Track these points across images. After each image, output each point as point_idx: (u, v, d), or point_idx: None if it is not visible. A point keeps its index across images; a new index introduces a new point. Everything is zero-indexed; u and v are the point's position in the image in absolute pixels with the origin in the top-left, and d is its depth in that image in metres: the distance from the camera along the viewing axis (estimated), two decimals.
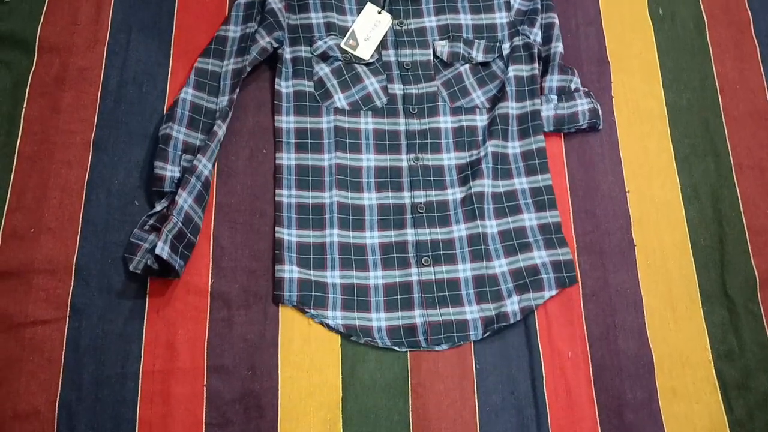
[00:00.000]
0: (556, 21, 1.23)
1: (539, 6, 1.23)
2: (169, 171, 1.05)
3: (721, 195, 1.17)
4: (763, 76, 1.27)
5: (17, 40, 1.10)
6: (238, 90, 1.10)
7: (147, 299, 0.99)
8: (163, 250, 0.97)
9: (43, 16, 1.13)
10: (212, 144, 1.06)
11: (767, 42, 1.29)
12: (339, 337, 1.01)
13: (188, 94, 1.10)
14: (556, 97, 1.18)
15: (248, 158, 1.09)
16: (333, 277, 1.04)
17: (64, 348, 0.95)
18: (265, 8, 1.16)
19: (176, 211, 1.00)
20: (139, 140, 1.08)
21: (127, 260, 1.01)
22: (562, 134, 1.18)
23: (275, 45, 1.14)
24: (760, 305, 1.10)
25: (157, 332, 0.97)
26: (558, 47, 1.21)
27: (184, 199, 1.02)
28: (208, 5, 1.18)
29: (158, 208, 1.04)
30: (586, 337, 1.05)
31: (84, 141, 1.06)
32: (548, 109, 1.17)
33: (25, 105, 1.07)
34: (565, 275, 1.08)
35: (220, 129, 1.07)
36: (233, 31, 1.15)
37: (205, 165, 1.05)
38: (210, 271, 1.02)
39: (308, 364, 0.99)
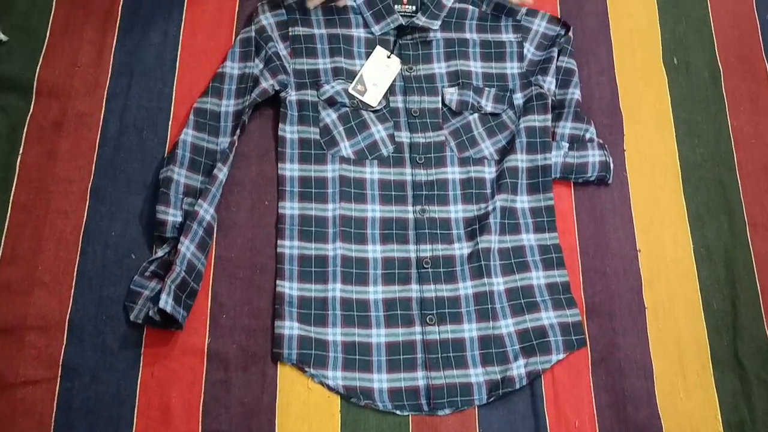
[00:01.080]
0: (575, 68, 1.20)
1: (554, 54, 1.20)
2: (171, 215, 1.02)
3: (735, 256, 1.14)
4: None
5: (15, 82, 1.07)
6: (239, 132, 1.08)
7: (141, 359, 0.96)
8: (167, 303, 0.94)
9: (42, 56, 1.10)
10: (213, 188, 1.03)
11: None
12: (339, 400, 0.98)
13: (188, 135, 1.07)
14: (567, 144, 1.15)
15: (250, 210, 1.06)
16: (334, 334, 1.01)
17: (54, 410, 0.92)
18: (269, 51, 1.13)
19: (179, 259, 0.97)
20: (138, 189, 1.05)
21: (127, 309, 0.98)
22: (571, 189, 1.15)
23: (278, 88, 1.11)
24: None
25: (150, 395, 0.94)
26: (575, 94, 1.18)
27: (187, 247, 0.99)
28: (213, 47, 1.15)
29: (160, 254, 1.01)
30: (594, 405, 1.02)
31: (81, 189, 1.03)
32: (558, 156, 1.14)
33: (21, 151, 1.04)
34: (573, 338, 1.05)
35: (221, 172, 1.04)
36: (230, 68, 1.12)
37: (206, 210, 1.02)
38: (207, 330, 0.99)
39: (306, 430, 0.96)
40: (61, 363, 0.95)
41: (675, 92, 1.24)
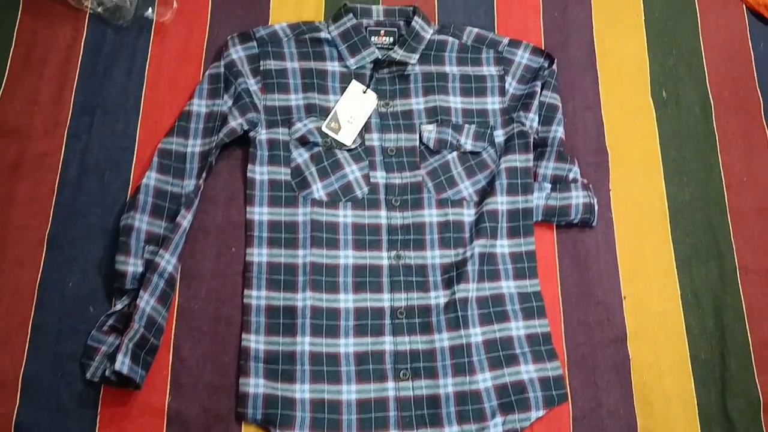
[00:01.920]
0: (559, 103, 1.15)
1: (537, 89, 1.15)
2: (131, 266, 0.97)
3: (725, 303, 1.09)
4: None
5: None
6: (205, 175, 1.03)
7: (98, 420, 0.91)
8: (123, 364, 0.89)
9: (0, 94, 1.05)
10: (176, 237, 0.98)
11: None
12: None
13: (151, 178, 1.02)
14: (549, 185, 1.10)
15: (215, 258, 1.01)
16: (302, 391, 0.96)
17: None
18: (239, 87, 1.08)
19: (137, 315, 0.92)
20: (98, 235, 1.00)
21: (84, 366, 0.93)
22: (554, 232, 1.10)
23: (246, 127, 1.06)
24: (764, 430, 1.02)
25: None
26: (558, 131, 1.13)
27: (146, 301, 0.94)
28: (180, 83, 1.10)
29: (119, 306, 0.96)
30: None
31: (38, 237, 0.99)
32: (539, 198, 1.09)
33: None
34: (554, 393, 1.00)
35: (185, 219, 1.00)
36: (197, 105, 1.07)
37: (168, 260, 0.97)
38: (168, 388, 0.94)
39: None
40: (13, 424, 0.90)
41: (664, 128, 1.19)
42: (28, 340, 0.94)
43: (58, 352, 0.94)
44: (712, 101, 1.22)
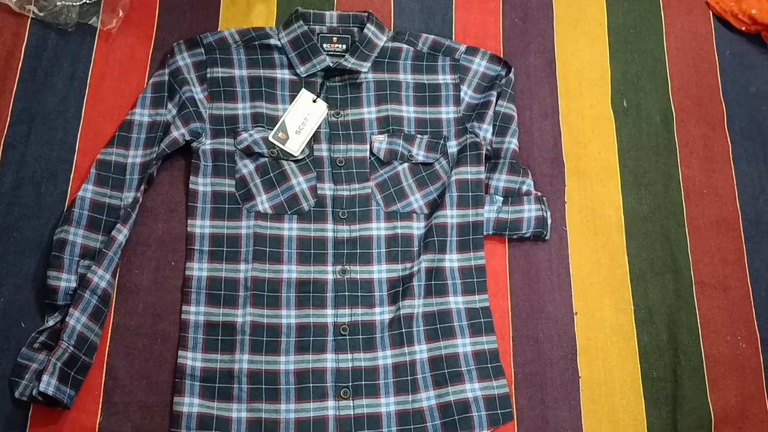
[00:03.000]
0: (515, 114, 1.13)
1: (492, 99, 1.12)
2: (64, 281, 0.95)
3: (679, 319, 1.06)
4: (734, 180, 1.16)
5: None
6: (144, 187, 1.00)
7: None
8: (49, 384, 0.87)
9: None
10: (110, 251, 0.95)
11: (740, 140, 1.19)
12: None
13: (87, 191, 0.99)
14: (501, 198, 1.08)
15: (154, 271, 0.99)
16: (239, 410, 0.94)
17: None
18: (183, 95, 1.05)
19: (66, 333, 0.90)
20: (32, 250, 0.97)
21: (12, 385, 0.91)
22: (505, 246, 1.08)
23: (188, 138, 1.04)
24: None
25: None
26: (512, 143, 1.11)
27: (77, 319, 0.91)
28: (123, 91, 1.07)
29: (50, 323, 0.94)
30: None
31: None
32: (490, 211, 1.07)
33: None
34: (499, 412, 0.98)
35: (120, 233, 0.97)
36: (139, 115, 1.04)
37: (101, 276, 0.94)
38: (100, 407, 0.92)
39: None
40: None
41: (623, 138, 1.16)
42: None
43: None
44: (674, 111, 1.19)
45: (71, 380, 0.89)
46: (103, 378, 0.93)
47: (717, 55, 1.25)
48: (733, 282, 1.10)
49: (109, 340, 0.95)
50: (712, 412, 1.02)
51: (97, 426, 0.91)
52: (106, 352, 0.94)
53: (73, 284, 0.95)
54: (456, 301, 1.03)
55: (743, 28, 1.26)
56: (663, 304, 1.07)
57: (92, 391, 0.92)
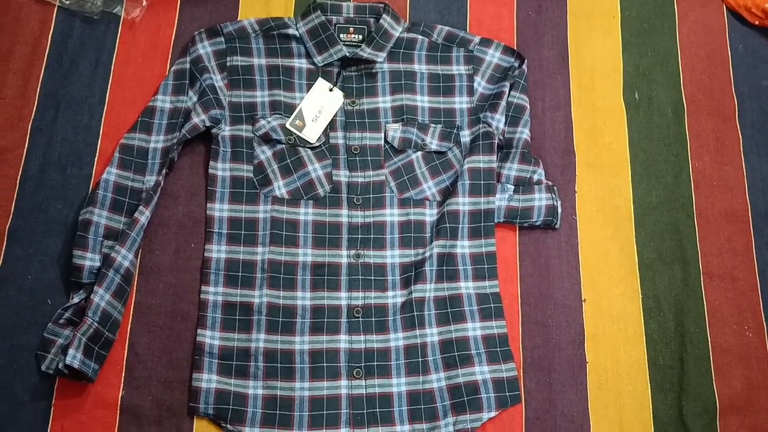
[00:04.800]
0: (527, 105, 1.15)
1: (505, 89, 1.14)
2: (89, 260, 0.98)
3: (686, 307, 1.08)
4: (744, 173, 1.18)
5: None
6: (165, 171, 1.04)
7: (52, 411, 0.93)
8: (75, 357, 0.90)
9: None
10: (133, 232, 0.99)
11: (751, 134, 1.20)
12: None
13: (111, 174, 1.03)
14: (512, 187, 1.10)
15: (174, 253, 1.02)
16: (255, 387, 0.97)
17: None
18: (204, 83, 1.08)
19: (91, 310, 0.94)
20: (59, 230, 1.01)
21: (39, 358, 0.95)
22: (516, 234, 1.10)
23: (209, 124, 1.07)
24: None
25: None
26: (524, 133, 1.13)
27: (101, 296, 0.95)
28: (146, 78, 1.10)
29: (75, 300, 0.98)
30: None
31: None
32: (501, 199, 1.09)
33: None
34: (507, 394, 1.00)
35: (143, 215, 1.00)
36: (161, 101, 1.07)
37: (124, 256, 0.98)
38: (122, 381, 0.95)
39: None
40: None
41: (634, 130, 1.18)
42: None
43: (15, 344, 0.95)
44: (685, 103, 1.21)
45: (95, 355, 0.93)
46: (126, 354, 0.97)
47: (730, 48, 1.26)
48: (740, 273, 1.12)
49: (131, 317, 0.99)
50: (717, 400, 1.04)
51: (119, 399, 0.95)
52: (128, 330, 0.98)
53: (97, 263, 0.98)
54: (467, 286, 1.05)
55: (756, 22, 1.27)
56: (671, 293, 1.09)
57: (115, 365, 0.96)
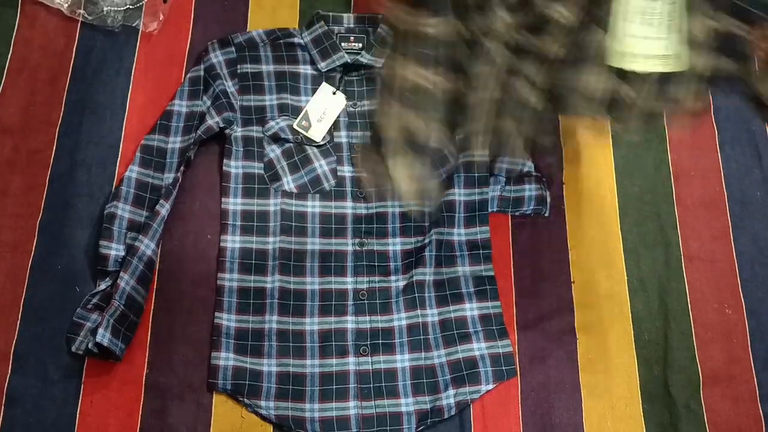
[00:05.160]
0: None
1: None
2: (114, 250, 1.06)
3: (669, 288, 1.16)
4: (720, 163, 1.26)
5: None
6: (182, 169, 1.12)
7: (82, 389, 1.00)
8: (104, 336, 0.98)
9: None
10: (155, 224, 1.07)
11: (726, 127, 1.29)
12: (271, 429, 1.02)
13: (133, 171, 1.11)
14: (504, 178, 1.19)
15: (192, 243, 1.10)
16: (269, 365, 1.05)
17: None
18: (217, 89, 1.17)
19: (118, 294, 1.02)
20: (86, 224, 1.09)
21: (69, 341, 1.02)
22: (509, 222, 1.18)
23: (222, 125, 1.16)
24: (702, 404, 1.09)
25: (89, 423, 0.99)
26: None
27: (126, 281, 1.03)
28: (163, 85, 1.19)
29: (102, 287, 1.05)
30: None
31: (31, 224, 1.08)
32: (494, 190, 1.18)
33: None
34: (503, 368, 1.08)
35: (163, 208, 1.09)
36: (178, 106, 1.16)
37: (147, 245, 1.06)
38: (146, 361, 1.03)
39: None
40: (5, 392, 0.99)
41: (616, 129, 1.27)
42: (19, 317, 1.03)
43: (47, 327, 1.03)
44: None
45: (122, 336, 1.01)
46: (149, 335, 1.05)
47: None
48: (719, 256, 1.20)
49: (153, 302, 1.06)
50: (700, 372, 1.11)
51: (144, 377, 1.02)
52: (151, 313, 1.06)
53: (122, 253, 1.06)
54: (464, 271, 1.13)
55: None
56: (654, 274, 1.17)
57: (139, 346, 1.03)
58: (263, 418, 1.02)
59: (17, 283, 1.05)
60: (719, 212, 1.23)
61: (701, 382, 1.11)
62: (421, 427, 1.03)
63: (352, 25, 1.26)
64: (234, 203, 1.14)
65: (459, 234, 1.15)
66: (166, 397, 1.01)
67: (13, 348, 1.02)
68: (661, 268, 1.17)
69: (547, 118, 0.96)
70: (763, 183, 1.25)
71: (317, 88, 1.22)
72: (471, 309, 1.11)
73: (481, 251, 1.15)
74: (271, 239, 1.12)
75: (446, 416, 1.04)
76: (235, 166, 1.16)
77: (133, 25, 1.23)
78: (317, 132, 1.19)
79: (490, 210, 1.17)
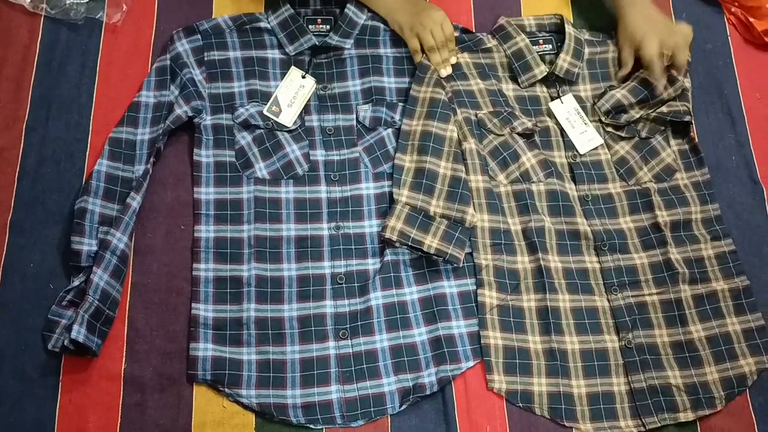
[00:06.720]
0: None
1: None
2: (86, 245, 1.05)
3: None
4: (694, 128, 1.26)
5: None
6: (153, 160, 1.11)
7: (60, 386, 1.00)
8: (79, 333, 0.97)
9: None
10: (126, 216, 1.06)
11: (699, 94, 1.28)
12: (253, 418, 1.01)
13: (102, 165, 1.10)
14: None
15: (165, 235, 1.10)
16: (249, 353, 1.04)
17: None
18: (184, 77, 1.16)
19: (92, 289, 1.01)
20: (56, 220, 1.08)
21: (45, 338, 1.02)
22: None
23: (191, 114, 1.14)
24: None
25: (69, 420, 0.98)
26: None
27: (100, 276, 1.02)
28: (129, 76, 1.18)
29: (76, 283, 1.04)
30: (505, 410, 1.05)
31: (1, 224, 1.07)
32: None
33: None
34: (481, 346, 1.08)
35: (134, 201, 1.08)
36: (146, 96, 1.15)
37: (119, 239, 1.05)
38: (124, 355, 1.02)
39: None
40: None
41: None
42: None
43: (22, 326, 1.02)
44: None
45: (98, 331, 1.00)
46: (126, 329, 1.04)
47: (674, 17, 1.34)
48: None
49: (129, 296, 1.06)
50: None
51: (122, 371, 1.02)
52: (127, 307, 1.05)
53: (94, 248, 1.05)
54: None
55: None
56: None
57: (116, 341, 1.03)
58: (245, 406, 1.02)
59: None
60: None
61: None
62: (405, 404, 1.04)
63: (318, 7, 1.25)
64: (206, 192, 1.13)
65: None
66: (146, 391, 1.01)
67: None
68: None
69: None
70: (738, 147, 1.25)
71: (286, 73, 1.21)
72: (450, 286, 1.10)
73: None
74: (245, 227, 1.11)
75: (428, 392, 1.04)
76: (206, 155, 1.14)
77: (97, 17, 1.21)
78: (288, 117, 1.18)
79: None
